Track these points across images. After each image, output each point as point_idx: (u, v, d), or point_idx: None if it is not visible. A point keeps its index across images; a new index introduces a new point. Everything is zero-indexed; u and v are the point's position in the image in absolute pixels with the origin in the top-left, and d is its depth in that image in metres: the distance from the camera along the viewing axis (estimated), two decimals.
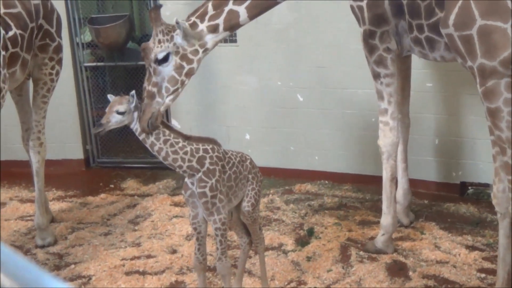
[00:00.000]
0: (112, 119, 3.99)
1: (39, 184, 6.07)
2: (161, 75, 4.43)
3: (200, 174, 4.06)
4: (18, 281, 0.79)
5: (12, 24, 5.18)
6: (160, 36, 4.41)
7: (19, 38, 5.27)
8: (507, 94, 4.14)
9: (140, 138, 4.07)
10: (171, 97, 4.47)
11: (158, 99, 4.40)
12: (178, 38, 4.42)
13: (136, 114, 4.04)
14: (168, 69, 4.44)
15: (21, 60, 5.38)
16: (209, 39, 4.59)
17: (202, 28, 4.54)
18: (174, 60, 4.44)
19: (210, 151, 4.11)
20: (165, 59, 4.42)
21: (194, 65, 4.52)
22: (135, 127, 4.05)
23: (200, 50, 4.55)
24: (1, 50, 4.97)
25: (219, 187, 4.07)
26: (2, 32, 5.04)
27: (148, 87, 4.42)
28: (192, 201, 4.14)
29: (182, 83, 4.49)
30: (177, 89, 4.48)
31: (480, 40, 4.14)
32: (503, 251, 4.60)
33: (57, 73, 5.96)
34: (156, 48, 4.41)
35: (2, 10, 5.16)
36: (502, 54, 4.08)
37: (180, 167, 4.06)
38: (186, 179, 4.15)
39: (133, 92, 4.06)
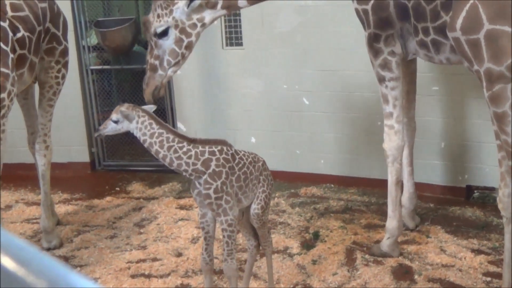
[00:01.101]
0: (108, 126, 4.08)
1: (45, 187, 6.08)
2: (162, 48, 4.53)
3: (205, 176, 4.07)
4: (44, 279, 0.80)
5: (20, 26, 5.20)
6: (159, 11, 4.49)
7: (27, 40, 5.29)
8: None
9: (145, 145, 4.09)
10: (173, 69, 4.57)
11: (160, 72, 4.53)
12: (178, 12, 4.49)
13: (134, 123, 4.04)
14: (168, 43, 4.54)
15: (29, 63, 5.40)
16: (207, 14, 4.65)
17: (201, 3, 4.60)
18: (173, 33, 4.53)
19: (217, 153, 4.11)
20: (165, 33, 4.51)
21: (193, 38, 4.63)
22: (138, 135, 4.07)
23: (198, 24, 4.65)
24: (10, 53, 4.99)
25: (225, 189, 4.08)
26: (10, 34, 5.06)
27: (150, 60, 4.53)
28: (200, 200, 4.16)
29: (183, 56, 4.61)
30: (178, 61, 4.60)
31: (488, 45, 4.13)
32: (508, 255, 4.59)
33: (63, 77, 5.97)
34: (156, 23, 4.49)
35: (10, 13, 5.17)
36: (509, 59, 4.07)
37: (186, 171, 4.08)
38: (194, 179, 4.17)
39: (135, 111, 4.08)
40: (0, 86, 4.86)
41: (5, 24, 5.04)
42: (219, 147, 4.15)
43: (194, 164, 4.06)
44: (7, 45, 4.97)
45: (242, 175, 4.22)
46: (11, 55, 5.00)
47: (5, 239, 0.82)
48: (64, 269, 0.80)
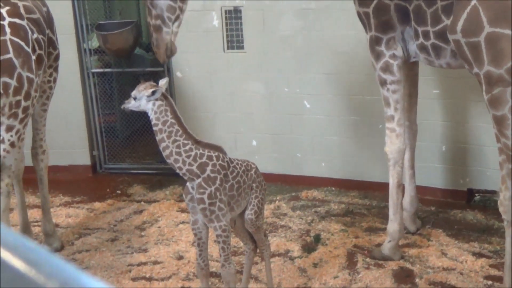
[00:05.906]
0: (131, 102, 4.12)
1: (44, 191, 6.06)
2: (159, 6, 4.63)
3: (199, 180, 4.06)
4: (56, 280, 0.81)
5: (34, 29, 5.16)
6: None
7: (42, 42, 5.27)
8: None
9: (154, 128, 4.07)
10: (176, 24, 4.73)
11: (165, 29, 4.65)
12: None
13: (150, 104, 4.04)
14: (163, 1, 4.69)
15: (44, 65, 5.37)
16: None
17: None
18: None
19: (214, 158, 4.11)
20: None
21: None
22: (151, 116, 4.07)
23: None
24: (32, 54, 4.93)
25: (218, 195, 4.07)
26: (30, 32, 5.00)
27: (151, 21, 4.68)
28: (192, 206, 4.15)
29: (180, 9, 4.73)
30: (178, 15, 4.74)
31: (488, 47, 4.14)
32: (509, 259, 4.59)
33: (55, 80, 5.91)
34: None
35: (25, 15, 5.12)
36: (509, 62, 4.08)
37: (180, 168, 4.07)
38: (187, 183, 4.16)
39: (153, 90, 4.05)
40: (25, 93, 4.81)
41: (24, 23, 5.00)
42: (216, 153, 4.15)
43: (190, 164, 4.05)
44: (28, 45, 4.92)
45: (235, 184, 4.21)
46: (33, 57, 4.96)
47: (15, 240, 0.83)
48: (75, 271, 0.81)
